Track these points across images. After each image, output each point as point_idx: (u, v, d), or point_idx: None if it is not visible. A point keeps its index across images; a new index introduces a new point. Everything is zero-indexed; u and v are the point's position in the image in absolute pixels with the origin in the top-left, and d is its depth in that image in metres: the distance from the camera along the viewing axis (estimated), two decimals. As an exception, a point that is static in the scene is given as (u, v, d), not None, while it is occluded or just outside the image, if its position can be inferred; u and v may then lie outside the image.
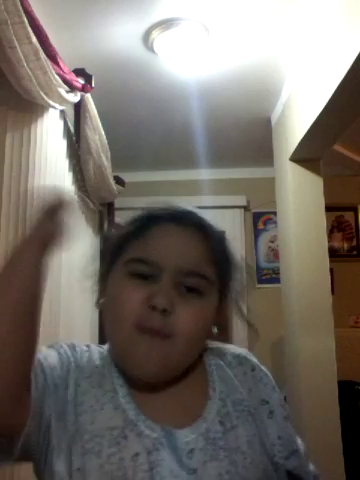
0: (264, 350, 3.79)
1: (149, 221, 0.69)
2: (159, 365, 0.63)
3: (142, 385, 0.66)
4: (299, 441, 0.77)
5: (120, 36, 2.14)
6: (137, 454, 0.60)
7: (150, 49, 2.23)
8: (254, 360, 0.77)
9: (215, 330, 0.71)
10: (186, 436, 0.63)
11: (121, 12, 1.97)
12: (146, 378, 0.65)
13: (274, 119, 2.97)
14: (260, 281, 3.95)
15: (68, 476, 0.58)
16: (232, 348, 0.78)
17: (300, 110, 2.36)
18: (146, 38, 2.15)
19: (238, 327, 3.83)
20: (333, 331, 2.41)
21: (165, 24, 2.05)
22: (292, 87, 2.49)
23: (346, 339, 3.08)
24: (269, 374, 0.76)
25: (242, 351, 0.78)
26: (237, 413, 0.68)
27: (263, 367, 0.77)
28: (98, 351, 0.72)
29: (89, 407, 0.63)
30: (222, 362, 0.74)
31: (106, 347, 0.73)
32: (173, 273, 0.65)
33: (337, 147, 3.11)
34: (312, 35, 2.11)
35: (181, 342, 0.64)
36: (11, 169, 1.53)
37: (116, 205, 3.32)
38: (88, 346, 0.73)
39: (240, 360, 0.75)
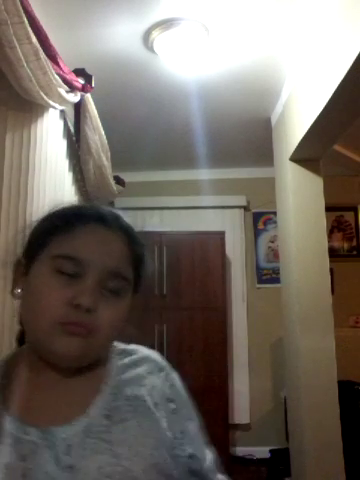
0: (264, 350, 3.80)
1: (77, 219, 0.69)
2: (78, 357, 0.66)
3: (53, 372, 0.69)
4: (207, 451, 0.77)
5: (120, 36, 2.14)
6: (9, 464, 0.60)
7: (150, 49, 2.23)
8: (163, 362, 0.78)
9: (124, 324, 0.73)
10: (64, 432, 0.64)
11: (121, 12, 1.97)
12: (65, 366, 0.68)
13: (274, 119, 2.97)
14: (260, 281, 3.95)
15: None
16: (142, 349, 0.79)
17: (300, 110, 2.36)
18: (146, 38, 2.15)
19: (238, 327, 3.83)
20: (333, 331, 2.42)
21: (165, 24, 2.05)
22: (292, 87, 2.49)
23: (346, 339, 3.09)
24: (177, 378, 0.78)
25: (151, 352, 0.79)
26: (130, 407, 0.69)
27: (172, 370, 0.78)
28: None
29: None
30: (126, 360, 0.75)
31: None
32: (99, 273, 0.66)
33: (337, 147, 3.11)
34: (312, 35, 2.11)
35: (101, 338, 0.66)
36: (11, 169, 1.53)
37: (116, 205, 3.33)
38: None
39: (146, 359, 0.76)
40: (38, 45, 1.43)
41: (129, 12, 1.97)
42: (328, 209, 2.62)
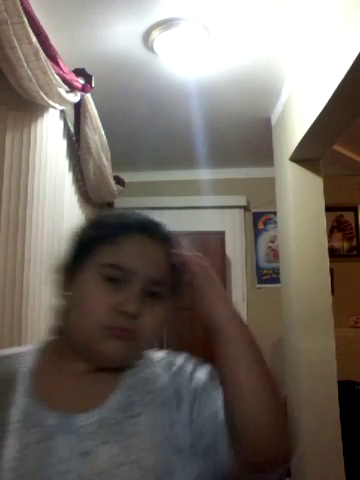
0: (264, 350, 3.79)
1: (121, 229, 0.75)
2: (121, 359, 0.72)
3: (75, 364, 0.74)
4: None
5: (120, 36, 2.14)
6: (28, 444, 0.65)
7: (150, 49, 2.22)
8: (178, 358, 0.81)
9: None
10: (81, 421, 0.69)
11: (121, 12, 1.97)
12: (111, 365, 0.74)
13: (274, 119, 2.97)
14: (260, 281, 3.95)
15: None
16: (161, 351, 0.83)
17: (300, 110, 2.36)
18: (146, 38, 2.15)
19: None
20: (333, 331, 2.41)
21: (165, 24, 2.05)
22: (292, 87, 2.49)
23: (346, 339, 3.08)
24: (194, 369, 0.79)
25: (168, 352, 0.83)
26: (143, 403, 0.73)
27: (188, 362, 0.80)
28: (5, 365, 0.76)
29: None
30: (145, 360, 0.80)
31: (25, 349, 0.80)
32: (143, 281, 0.72)
33: (337, 147, 3.11)
34: (312, 35, 2.11)
35: (143, 341, 0.73)
36: (11, 169, 1.53)
37: (116, 205, 3.33)
38: None
39: (162, 359, 0.81)
40: (38, 45, 1.43)
41: (129, 12, 1.97)
42: (328, 209, 2.62)
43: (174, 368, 0.78)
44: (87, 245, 0.75)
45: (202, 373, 0.78)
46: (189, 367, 0.79)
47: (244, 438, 0.64)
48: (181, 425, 0.72)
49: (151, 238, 0.75)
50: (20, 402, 0.70)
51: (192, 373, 0.78)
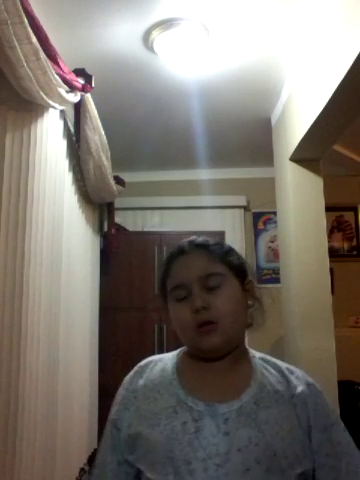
0: (264, 350, 3.79)
1: (170, 261, 1.02)
2: (219, 339, 0.92)
3: (208, 362, 0.96)
4: (345, 437, 0.94)
5: (120, 36, 2.14)
6: (185, 422, 0.88)
7: (150, 49, 2.23)
8: (295, 370, 1.01)
9: (254, 304, 1.03)
10: (223, 409, 0.89)
11: (121, 12, 1.97)
12: (215, 354, 0.94)
13: (274, 119, 2.97)
14: (260, 281, 3.95)
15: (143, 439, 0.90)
16: (273, 358, 1.04)
17: (300, 110, 2.36)
18: (146, 38, 2.15)
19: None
20: (333, 331, 2.42)
21: (165, 24, 2.05)
22: (292, 87, 2.49)
23: (346, 339, 3.08)
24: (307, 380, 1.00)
25: (287, 364, 1.03)
26: (274, 398, 0.91)
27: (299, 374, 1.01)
28: (160, 369, 1.01)
29: (153, 399, 0.94)
30: (267, 365, 1.00)
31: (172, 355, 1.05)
32: (196, 282, 0.94)
33: (337, 147, 3.11)
34: (312, 35, 2.11)
35: (225, 320, 0.92)
36: (11, 169, 1.53)
37: (116, 205, 3.33)
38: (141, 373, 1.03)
39: (278, 365, 1.01)
40: (38, 45, 1.43)
41: (129, 12, 1.97)
42: (328, 209, 2.62)
43: (289, 375, 0.97)
44: (162, 283, 1.03)
45: (326, 409, 0.96)
46: (307, 386, 0.97)
47: None
48: (302, 427, 0.90)
49: (185, 254, 0.99)
50: (174, 392, 0.94)
51: (318, 403, 0.95)
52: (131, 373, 1.03)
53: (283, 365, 1.01)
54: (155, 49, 2.21)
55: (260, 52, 2.29)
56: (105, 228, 3.24)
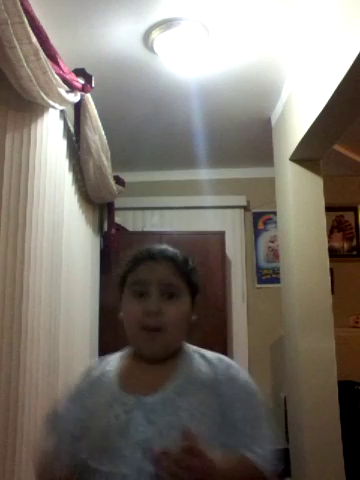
0: (264, 350, 3.80)
1: (137, 261, 1.07)
2: (160, 347, 1.02)
3: (145, 362, 1.05)
4: (266, 434, 1.01)
5: (120, 36, 2.14)
6: (118, 415, 0.97)
7: (150, 49, 2.22)
8: (221, 358, 1.08)
9: (194, 317, 1.08)
10: (149, 401, 0.98)
11: (121, 12, 1.97)
12: (154, 357, 1.03)
13: (274, 119, 2.97)
14: (260, 281, 3.95)
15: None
16: (209, 352, 1.10)
17: (300, 110, 2.36)
18: (146, 38, 2.15)
19: (238, 327, 3.83)
20: (333, 331, 2.41)
21: (165, 24, 2.05)
22: (292, 87, 2.49)
23: (346, 339, 3.08)
24: (236, 374, 1.05)
25: (215, 354, 1.10)
26: (195, 387, 1.00)
27: (230, 367, 1.07)
28: (104, 368, 1.10)
29: (96, 395, 1.03)
30: (196, 356, 1.07)
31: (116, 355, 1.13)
32: (157, 286, 1.02)
33: (337, 147, 3.11)
34: (312, 35, 2.11)
35: (170, 330, 1.01)
36: (11, 169, 1.53)
37: (116, 205, 3.33)
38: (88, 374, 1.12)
39: (209, 357, 1.07)
40: (38, 45, 1.43)
41: (129, 12, 1.97)
42: (328, 209, 2.62)
43: (217, 366, 1.04)
44: (122, 276, 1.09)
45: (236, 381, 1.04)
46: (227, 369, 1.04)
47: None
48: (219, 407, 0.99)
49: (155, 260, 1.05)
50: (111, 389, 1.02)
51: (231, 377, 1.03)
52: (83, 371, 1.13)
53: (209, 355, 1.09)
54: (155, 49, 2.21)
55: (260, 52, 2.29)
56: (105, 228, 3.24)
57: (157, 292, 1.01)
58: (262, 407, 1.05)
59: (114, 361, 1.11)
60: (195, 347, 1.11)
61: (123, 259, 1.12)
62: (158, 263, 1.05)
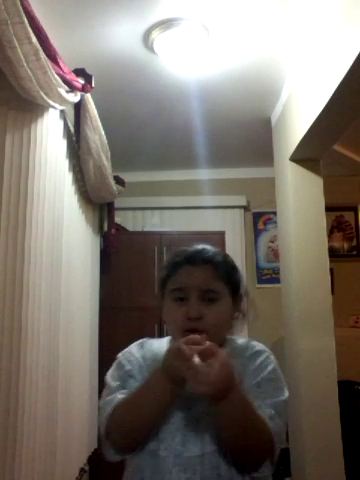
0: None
1: (176, 265, 1.09)
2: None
3: None
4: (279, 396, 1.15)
5: (120, 36, 2.14)
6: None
7: (150, 49, 2.23)
8: (253, 345, 1.15)
9: (238, 316, 1.13)
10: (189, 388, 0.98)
11: (121, 12, 1.97)
12: None
13: (274, 119, 2.97)
14: (260, 281, 3.95)
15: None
16: (245, 339, 1.17)
17: (300, 110, 2.36)
18: (146, 38, 2.15)
19: (238, 328, 3.83)
20: (333, 331, 2.42)
21: (165, 24, 2.05)
22: (292, 87, 2.49)
23: (346, 339, 3.08)
24: (262, 353, 1.13)
25: (250, 341, 1.17)
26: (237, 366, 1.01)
27: (258, 349, 1.15)
28: (156, 347, 1.13)
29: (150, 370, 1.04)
30: (234, 344, 1.14)
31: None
32: (196, 292, 1.03)
33: (337, 147, 3.11)
34: (312, 35, 2.11)
35: (212, 331, 1.02)
36: (11, 169, 1.53)
37: (116, 205, 3.33)
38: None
39: (244, 344, 1.15)
40: (38, 45, 1.43)
41: (129, 12, 1.97)
42: (328, 209, 2.62)
43: (251, 353, 1.10)
44: (162, 283, 1.12)
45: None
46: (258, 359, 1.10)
47: (228, 450, 0.97)
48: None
49: (194, 265, 1.07)
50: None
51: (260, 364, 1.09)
52: (133, 346, 1.14)
53: (247, 343, 1.15)
54: (155, 49, 2.21)
55: (260, 52, 2.29)
56: (105, 228, 3.24)
57: (196, 297, 1.03)
58: (272, 373, 1.12)
59: (165, 344, 1.14)
60: (234, 336, 1.17)
61: (164, 262, 1.15)
62: (196, 267, 1.06)
